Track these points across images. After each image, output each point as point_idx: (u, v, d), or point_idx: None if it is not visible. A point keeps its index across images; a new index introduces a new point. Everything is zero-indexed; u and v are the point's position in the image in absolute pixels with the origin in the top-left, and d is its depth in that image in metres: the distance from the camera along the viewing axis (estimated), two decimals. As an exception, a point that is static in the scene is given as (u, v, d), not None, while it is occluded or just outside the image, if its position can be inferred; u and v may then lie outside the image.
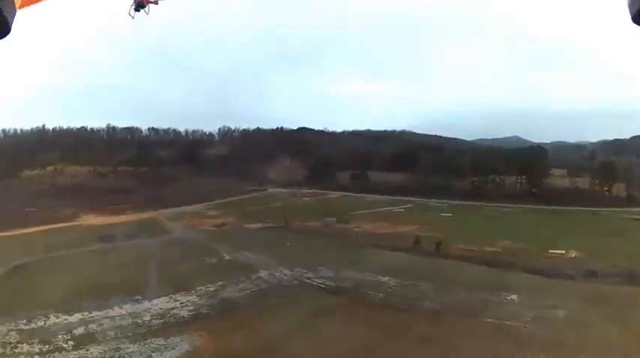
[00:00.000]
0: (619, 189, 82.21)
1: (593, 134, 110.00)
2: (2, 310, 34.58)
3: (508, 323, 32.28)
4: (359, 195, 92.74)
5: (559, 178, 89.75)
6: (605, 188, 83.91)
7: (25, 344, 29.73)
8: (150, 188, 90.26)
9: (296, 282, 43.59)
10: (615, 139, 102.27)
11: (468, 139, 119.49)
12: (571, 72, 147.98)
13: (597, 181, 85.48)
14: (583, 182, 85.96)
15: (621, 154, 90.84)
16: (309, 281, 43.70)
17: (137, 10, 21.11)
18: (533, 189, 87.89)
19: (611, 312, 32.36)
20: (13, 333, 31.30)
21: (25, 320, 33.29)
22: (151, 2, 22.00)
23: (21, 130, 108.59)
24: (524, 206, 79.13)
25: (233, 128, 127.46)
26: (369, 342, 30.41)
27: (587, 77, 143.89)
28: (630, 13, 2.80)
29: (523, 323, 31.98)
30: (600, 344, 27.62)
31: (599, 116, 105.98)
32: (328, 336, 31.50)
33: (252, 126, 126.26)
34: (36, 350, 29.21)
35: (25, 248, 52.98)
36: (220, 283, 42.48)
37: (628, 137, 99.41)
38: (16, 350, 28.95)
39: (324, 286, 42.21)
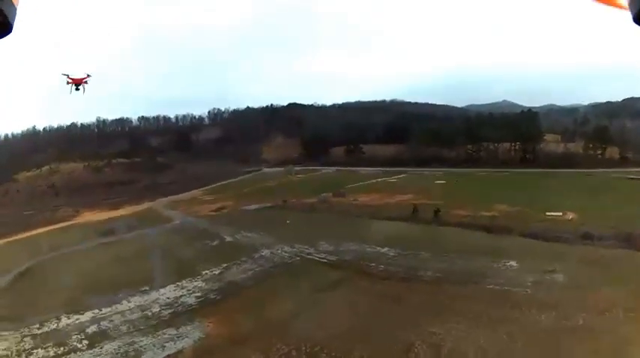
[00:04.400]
0: (612, 152, 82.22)
1: (585, 96, 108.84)
2: (13, 317, 34.49)
3: (507, 288, 32.84)
4: (353, 168, 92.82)
5: (553, 143, 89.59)
6: (599, 152, 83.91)
7: (40, 349, 29.57)
8: (145, 178, 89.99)
9: (298, 259, 43.90)
10: (607, 102, 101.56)
11: (459, 106, 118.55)
12: (558, 34, 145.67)
13: (591, 145, 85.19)
14: (577, 147, 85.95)
15: (614, 117, 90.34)
16: (310, 256, 44.05)
17: (77, 89, 26.21)
18: (527, 156, 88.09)
19: (610, 276, 32.77)
20: (27, 339, 31.10)
21: (37, 325, 33.11)
22: (84, 82, 26.74)
23: (12, 135, 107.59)
24: (518, 170, 79.29)
25: (223, 109, 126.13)
26: (374, 313, 30.99)
27: (576, 38, 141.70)
28: (631, 13, 2.77)
29: (524, 289, 32.50)
30: (599, 308, 28.06)
31: (589, 78, 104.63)
32: (333, 310, 32.09)
33: (242, 106, 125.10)
34: (51, 353, 29.06)
35: (28, 252, 52.29)
36: (224, 265, 43.02)
37: (620, 99, 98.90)
38: (32, 357, 28.82)
39: (325, 261, 42.59)
